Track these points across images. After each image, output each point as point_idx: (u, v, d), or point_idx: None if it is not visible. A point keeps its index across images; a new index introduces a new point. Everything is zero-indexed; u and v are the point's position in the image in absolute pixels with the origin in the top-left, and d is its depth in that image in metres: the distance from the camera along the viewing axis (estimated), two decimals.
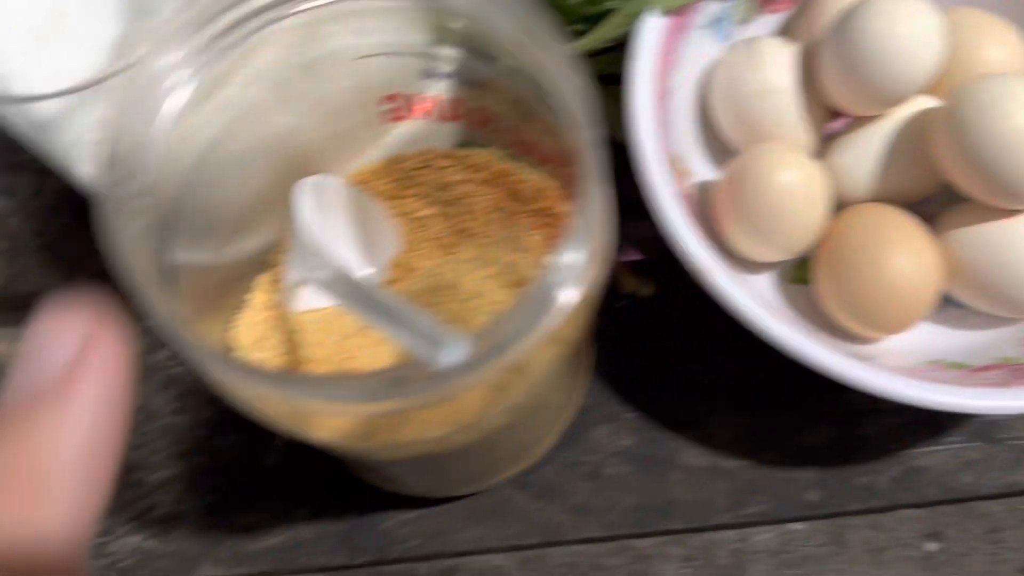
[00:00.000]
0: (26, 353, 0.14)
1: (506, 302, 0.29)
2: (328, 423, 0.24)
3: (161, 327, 0.19)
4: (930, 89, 0.34)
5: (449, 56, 0.28)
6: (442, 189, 0.32)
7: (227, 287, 0.29)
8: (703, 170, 0.37)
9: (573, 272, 0.20)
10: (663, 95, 0.33)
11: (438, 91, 0.29)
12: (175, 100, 0.23)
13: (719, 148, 0.37)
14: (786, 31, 0.39)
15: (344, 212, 0.30)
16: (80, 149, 0.30)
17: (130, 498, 0.36)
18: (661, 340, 0.38)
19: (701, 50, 0.36)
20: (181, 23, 0.23)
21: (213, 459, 0.36)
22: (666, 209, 0.30)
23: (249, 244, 0.31)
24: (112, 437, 0.15)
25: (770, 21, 0.39)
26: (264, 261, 0.31)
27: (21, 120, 0.30)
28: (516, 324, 0.19)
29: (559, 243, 0.20)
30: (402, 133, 0.31)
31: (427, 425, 0.24)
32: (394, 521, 0.36)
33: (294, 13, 0.25)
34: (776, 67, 0.34)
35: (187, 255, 0.25)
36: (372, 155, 0.32)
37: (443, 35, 0.28)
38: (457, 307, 0.29)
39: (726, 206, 0.34)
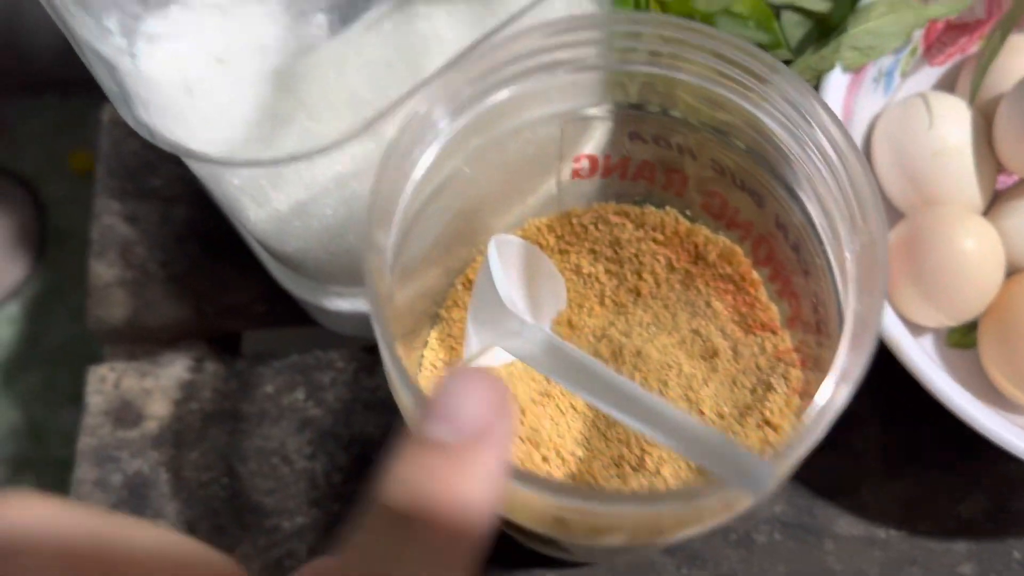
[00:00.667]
0: (447, 393, 0.15)
1: (696, 375, 0.28)
2: (533, 509, 0.22)
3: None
4: None
5: (648, 119, 0.27)
6: (614, 246, 0.30)
7: (407, 338, 0.28)
8: None
9: (841, 402, 0.19)
10: None
11: (627, 152, 0.28)
12: (423, 162, 0.22)
13: None
14: (947, 85, 0.37)
15: (518, 267, 0.29)
16: (248, 193, 0.29)
17: (265, 544, 0.34)
18: None
19: (869, 103, 0.35)
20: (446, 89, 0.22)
21: (347, 507, 0.35)
22: None
23: (408, 292, 0.30)
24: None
25: (931, 74, 0.37)
26: (436, 315, 0.30)
27: (192, 160, 0.28)
28: (797, 452, 0.18)
29: (834, 379, 0.19)
30: (577, 189, 0.30)
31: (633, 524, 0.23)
32: None
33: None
34: (954, 125, 0.33)
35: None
36: (544, 209, 0.31)
37: (640, 98, 0.26)
38: (648, 377, 0.27)
39: (896, 268, 0.33)
